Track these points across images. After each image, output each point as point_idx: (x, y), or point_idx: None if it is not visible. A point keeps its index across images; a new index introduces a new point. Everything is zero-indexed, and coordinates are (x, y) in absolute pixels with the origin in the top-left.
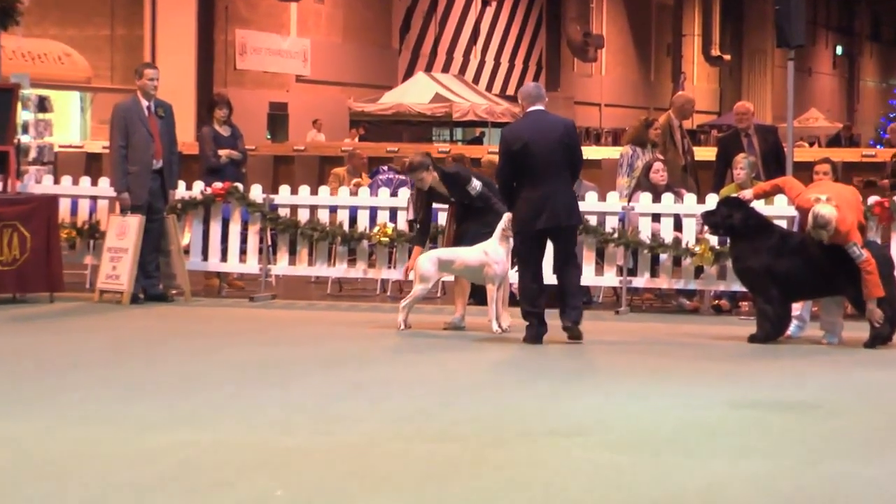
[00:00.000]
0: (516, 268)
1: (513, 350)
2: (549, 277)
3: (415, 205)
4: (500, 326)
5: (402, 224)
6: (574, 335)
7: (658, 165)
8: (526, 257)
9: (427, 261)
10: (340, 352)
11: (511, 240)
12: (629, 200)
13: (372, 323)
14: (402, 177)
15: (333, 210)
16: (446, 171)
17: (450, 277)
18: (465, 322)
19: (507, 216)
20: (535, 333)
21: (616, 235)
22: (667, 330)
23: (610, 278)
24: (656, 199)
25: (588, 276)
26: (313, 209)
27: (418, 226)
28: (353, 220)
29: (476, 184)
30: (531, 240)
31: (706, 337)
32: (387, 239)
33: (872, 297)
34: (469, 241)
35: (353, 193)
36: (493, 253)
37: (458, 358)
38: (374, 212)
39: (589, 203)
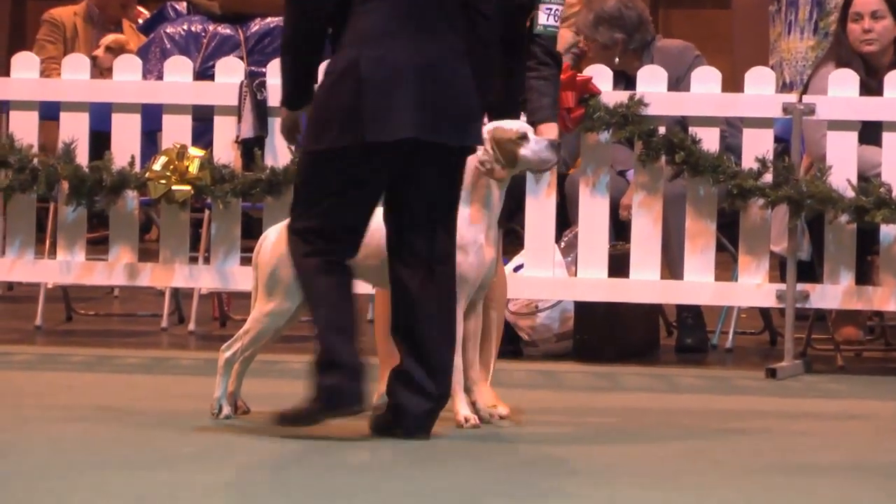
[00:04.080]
0: (518, 260)
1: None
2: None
3: (250, 109)
4: (471, 411)
5: (225, 150)
6: (414, 426)
7: None
8: (323, 196)
9: (277, 242)
10: None
11: (494, 190)
12: (805, 91)
13: (149, 398)
14: (226, 30)
15: (50, 115)
16: None
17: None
18: None
19: (490, 129)
20: (344, 398)
21: (769, 179)
22: None
23: (751, 291)
24: (871, 85)
25: (694, 282)
26: None
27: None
28: (97, 141)
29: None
30: (351, 163)
31: None
32: (187, 188)
33: None
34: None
35: (103, 72)
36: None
37: None
38: (151, 118)
39: (698, 99)
